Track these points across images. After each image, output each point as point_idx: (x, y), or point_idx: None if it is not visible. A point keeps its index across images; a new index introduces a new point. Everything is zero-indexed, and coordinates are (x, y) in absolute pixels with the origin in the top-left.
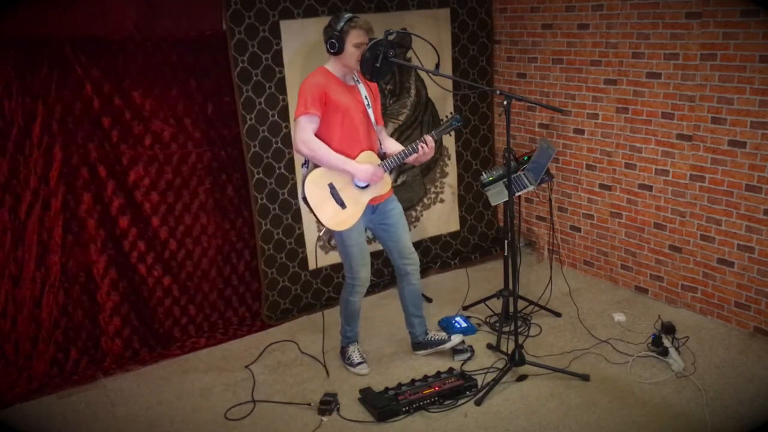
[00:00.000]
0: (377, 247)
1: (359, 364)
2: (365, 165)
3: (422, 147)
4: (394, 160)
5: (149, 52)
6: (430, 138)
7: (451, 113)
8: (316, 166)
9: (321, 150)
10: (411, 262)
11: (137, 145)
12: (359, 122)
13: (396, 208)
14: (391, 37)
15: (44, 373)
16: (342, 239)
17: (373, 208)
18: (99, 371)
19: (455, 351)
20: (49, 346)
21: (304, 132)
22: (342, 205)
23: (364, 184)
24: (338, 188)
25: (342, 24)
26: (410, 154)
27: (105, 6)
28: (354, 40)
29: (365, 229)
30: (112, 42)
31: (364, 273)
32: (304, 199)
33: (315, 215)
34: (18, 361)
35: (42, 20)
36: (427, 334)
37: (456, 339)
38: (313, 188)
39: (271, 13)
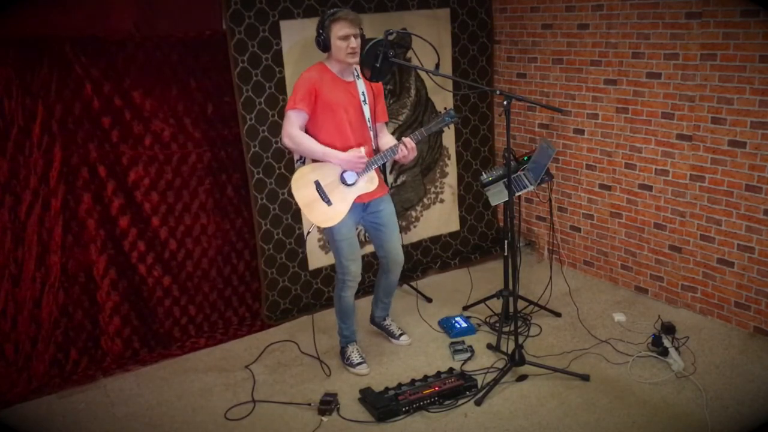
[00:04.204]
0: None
1: (359, 364)
2: (346, 153)
3: (402, 149)
4: (376, 160)
5: (149, 52)
6: (409, 140)
7: (445, 108)
8: (304, 163)
9: (304, 142)
10: (395, 263)
11: (137, 145)
12: (350, 119)
13: (387, 209)
14: (391, 37)
15: (44, 373)
16: (331, 234)
17: (365, 206)
18: (99, 371)
19: (455, 351)
20: (49, 346)
21: (291, 126)
22: (328, 202)
23: (351, 182)
24: (324, 185)
25: (324, 20)
26: (392, 155)
27: (105, 6)
28: (337, 33)
29: (356, 226)
30: (112, 42)
31: (353, 268)
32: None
33: (304, 213)
34: (18, 361)
35: (42, 20)
36: (384, 320)
37: (404, 341)
38: (301, 186)
39: (271, 13)
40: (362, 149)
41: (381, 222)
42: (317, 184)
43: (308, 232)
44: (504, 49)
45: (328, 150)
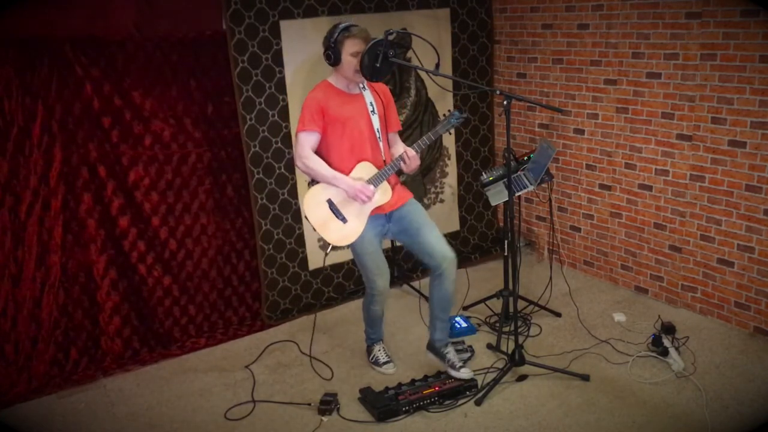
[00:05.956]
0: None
1: (385, 363)
2: (354, 182)
3: (402, 163)
4: (382, 175)
5: (149, 52)
6: (411, 150)
7: (449, 111)
8: (316, 182)
9: (316, 166)
10: (442, 262)
11: (137, 145)
12: (361, 132)
13: (414, 210)
14: (391, 37)
15: (44, 373)
16: (354, 250)
17: (388, 217)
18: (99, 371)
19: (455, 351)
20: (49, 346)
21: (302, 149)
22: (343, 219)
23: None
24: (337, 203)
25: (336, 34)
26: (394, 169)
27: (105, 6)
28: (350, 49)
29: (381, 238)
30: (112, 42)
31: (380, 282)
32: (306, 218)
33: (319, 234)
34: (18, 361)
35: (42, 20)
36: (446, 346)
37: (465, 374)
38: (313, 206)
39: (271, 13)
40: (372, 186)
41: (412, 226)
42: (330, 203)
43: (327, 253)
44: (504, 49)
45: (337, 175)
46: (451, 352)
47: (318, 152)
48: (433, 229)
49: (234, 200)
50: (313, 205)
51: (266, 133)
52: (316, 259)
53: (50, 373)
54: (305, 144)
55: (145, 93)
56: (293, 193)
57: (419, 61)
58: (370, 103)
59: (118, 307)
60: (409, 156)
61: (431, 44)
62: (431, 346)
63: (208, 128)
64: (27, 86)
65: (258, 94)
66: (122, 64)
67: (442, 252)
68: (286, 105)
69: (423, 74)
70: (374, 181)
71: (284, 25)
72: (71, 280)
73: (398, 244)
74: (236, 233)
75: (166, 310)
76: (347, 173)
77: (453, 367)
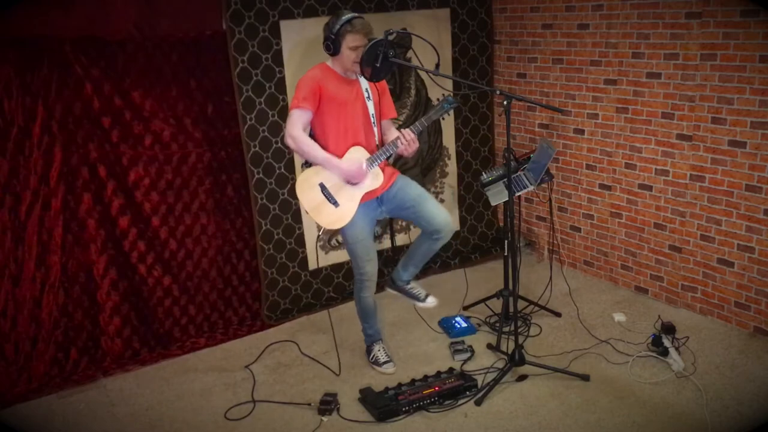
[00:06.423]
0: (379, 246)
1: (385, 363)
2: (347, 164)
3: (401, 142)
4: (378, 156)
5: (149, 53)
6: (408, 132)
7: (443, 95)
8: (309, 165)
9: (306, 147)
10: (444, 229)
11: (137, 145)
12: (356, 116)
13: (404, 185)
14: (391, 37)
15: (44, 373)
16: (345, 237)
17: (379, 200)
18: (99, 371)
19: (455, 351)
20: (49, 346)
21: (294, 126)
22: (335, 203)
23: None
24: (329, 186)
25: (338, 26)
26: (393, 149)
27: (105, 6)
28: (350, 43)
29: (373, 225)
30: (112, 42)
31: (369, 268)
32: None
33: (312, 218)
34: (18, 361)
35: (42, 20)
36: (408, 284)
37: (430, 302)
38: (305, 189)
39: (271, 13)
40: (364, 163)
41: (407, 200)
42: (322, 187)
43: (318, 236)
44: (504, 49)
45: (330, 158)
46: (416, 288)
47: (312, 134)
48: (428, 199)
49: (234, 200)
50: (305, 188)
51: (266, 133)
52: (315, 259)
53: (50, 373)
54: (298, 122)
55: (145, 93)
56: (293, 193)
57: (419, 61)
58: (366, 89)
59: (118, 307)
60: (407, 138)
61: (431, 44)
62: (394, 285)
63: (208, 128)
64: (27, 86)
65: (258, 94)
66: (122, 64)
67: (444, 220)
68: (286, 105)
69: (423, 74)
70: (371, 162)
71: (284, 25)
72: (71, 280)
73: (399, 244)
74: (236, 233)
75: (166, 310)
76: (340, 157)
77: (418, 299)
